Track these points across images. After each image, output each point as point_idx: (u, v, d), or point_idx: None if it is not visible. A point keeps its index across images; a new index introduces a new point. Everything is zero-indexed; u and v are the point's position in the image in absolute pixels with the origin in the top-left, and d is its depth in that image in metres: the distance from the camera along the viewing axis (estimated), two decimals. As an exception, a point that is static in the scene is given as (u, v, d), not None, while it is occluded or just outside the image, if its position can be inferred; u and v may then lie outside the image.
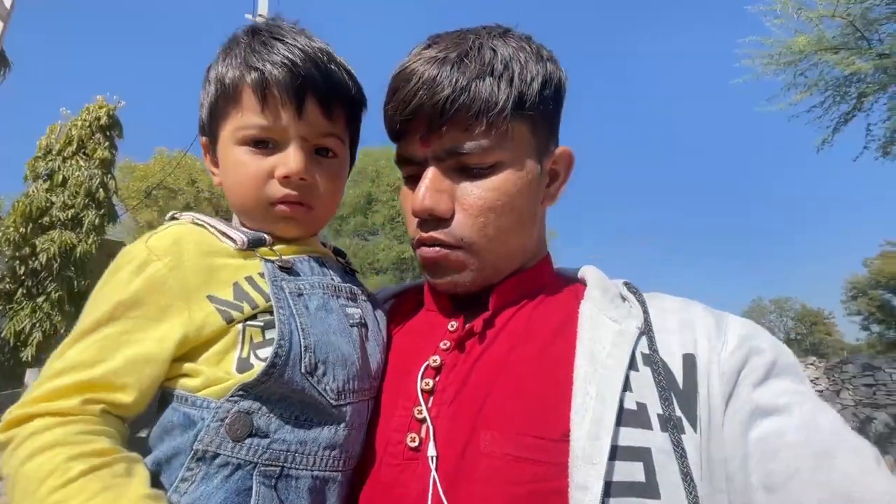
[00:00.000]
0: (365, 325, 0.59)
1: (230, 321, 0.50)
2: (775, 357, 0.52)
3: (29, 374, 4.69)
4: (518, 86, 0.55)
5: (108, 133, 7.91)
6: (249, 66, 0.54)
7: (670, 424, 0.48)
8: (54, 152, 7.50)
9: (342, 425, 0.52)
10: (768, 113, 7.88)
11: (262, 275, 0.53)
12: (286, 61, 0.54)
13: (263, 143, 0.56)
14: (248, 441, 0.46)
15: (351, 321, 0.57)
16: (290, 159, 0.55)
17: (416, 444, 0.51)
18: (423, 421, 0.52)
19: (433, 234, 0.58)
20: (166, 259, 0.50)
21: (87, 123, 7.71)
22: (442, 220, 0.57)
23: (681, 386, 0.51)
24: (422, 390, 0.54)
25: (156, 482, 0.46)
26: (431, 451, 0.49)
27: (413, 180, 0.60)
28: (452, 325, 0.60)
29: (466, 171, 0.57)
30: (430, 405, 0.53)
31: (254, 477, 0.46)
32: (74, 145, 7.54)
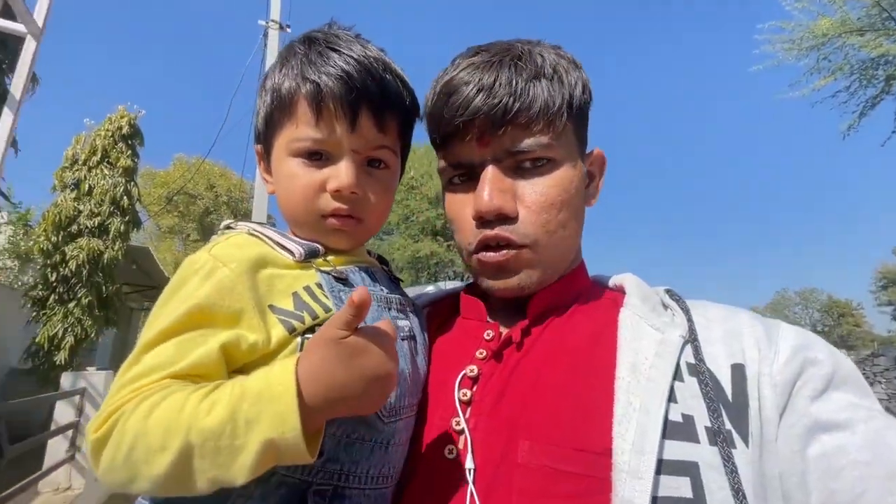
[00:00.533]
0: (414, 339, 0.59)
1: (292, 331, 0.49)
2: (834, 368, 0.49)
3: (65, 377, 4.84)
4: (568, 88, 0.57)
5: (129, 142, 8.10)
6: (305, 78, 0.54)
7: (719, 438, 0.46)
8: (80, 162, 7.72)
9: (392, 442, 0.51)
10: (790, 100, 7.66)
11: (318, 285, 0.53)
12: (342, 73, 0.53)
13: (317, 156, 0.56)
14: None
15: (402, 334, 0.56)
16: (342, 173, 0.55)
17: (454, 455, 0.51)
18: (461, 432, 0.52)
19: (500, 233, 0.57)
20: (232, 265, 0.49)
21: (110, 133, 7.91)
22: (508, 219, 0.56)
23: (730, 398, 0.49)
24: (459, 401, 0.54)
25: (213, 499, 0.45)
26: (469, 463, 0.49)
27: (462, 185, 0.61)
28: (488, 333, 0.59)
29: (523, 170, 0.57)
30: (467, 416, 0.53)
31: (308, 496, 0.46)
32: (99, 155, 7.74)
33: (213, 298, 0.47)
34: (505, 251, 0.57)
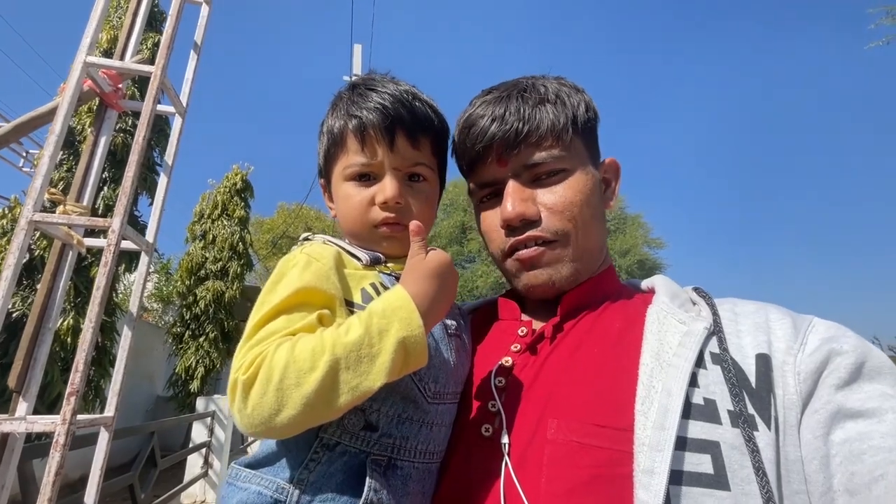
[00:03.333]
0: (459, 337, 0.66)
1: None
2: (861, 359, 0.49)
3: (199, 401, 5.56)
4: (571, 109, 0.65)
5: (242, 195, 9.30)
6: (350, 115, 0.65)
7: (741, 420, 0.47)
8: (205, 216, 9.03)
9: (435, 423, 0.58)
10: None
11: (382, 284, 0.62)
12: (378, 106, 0.64)
13: (365, 177, 0.65)
14: (361, 434, 0.54)
15: (449, 331, 0.64)
16: (387, 187, 0.64)
17: (490, 433, 0.57)
18: (497, 413, 0.57)
19: (529, 233, 0.64)
20: (324, 260, 0.59)
21: (228, 189, 9.18)
22: (532, 223, 0.64)
23: (753, 385, 0.50)
24: (495, 387, 0.59)
25: (288, 460, 0.54)
26: (504, 438, 0.54)
27: (490, 202, 0.69)
28: (522, 330, 0.66)
29: (540, 180, 0.65)
30: (502, 400, 0.58)
31: (367, 464, 0.52)
32: (219, 209, 9.01)
33: (313, 283, 0.55)
34: (535, 247, 0.64)
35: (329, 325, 0.53)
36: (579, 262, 0.65)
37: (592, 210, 0.65)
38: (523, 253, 0.65)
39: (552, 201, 0.64)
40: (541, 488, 0.49)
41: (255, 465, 0.57)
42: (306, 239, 0.68)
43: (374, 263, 0.64)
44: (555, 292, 0.66)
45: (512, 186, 0.65)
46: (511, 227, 0.65)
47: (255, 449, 0.60)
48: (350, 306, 0.58)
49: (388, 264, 0.66)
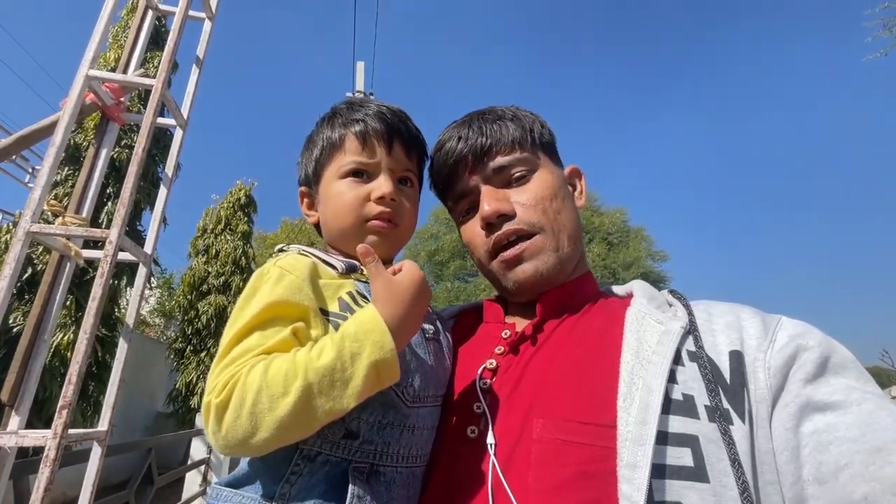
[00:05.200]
0: (437, 340, 0.67)
1: (338, 328, 0.56)
2: (826, 353, 0.51)
3: (199, 417, 5.50)
4: (527, 124, 0.74)
5: (246, 210, 9.38)
6: (353, 120, 0.70)
7: (717, 415, 0.49)
8: (209, 231, 9.08)
9: (417, 426, 0.58)
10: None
11: (358, 293, 0.62)
12: (379, 114, 0.70)
13: (361, 174, 0.69)
14: (342, 442, 0.53)
15: (427, 336, 0.65)
16: (384, 184, 0.68)
17: (475, 434, 0.57)
18: (482, 415, 0.58)
19: (507, 227, 0.68)
20: (297, 272, 0.58)
21: (231, 204, 9.25)
22: (509, 218, 0.68)
23: (728, 381, 0.52)
24: (480, 389, 0.61)
25: (268, 475, 0.53)
26: (490, 439, 0.55)
27: (469, 215, 0.74)
28: (506, 332, 0.68)
29: (510, 183, 0.71)
30: (487, 401, 0.59)
31: (349, 472, 0.52)
32: (223, 224, 9.07)
33: (285, 296, 0.55)
34: (519, 244, 0.68)
35: (304, 338, 0.54)
36: (560, 251, 0.68)
37: (562, 202, 0.70)
38: (507, 252, 0.68)
39: (524, 198, 0.69)
40: (528, 486, 0.50)
41: (235, 483, 0.56)
42: (281, 250, 0.69)
43: (349, 272, 0.65)
44: (544, 286, 0.68)
45: (486, 189, 0.70)
46: (490, 226, 0.69)
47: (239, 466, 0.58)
48: (326, 315, 0.58)
49: (364, 272, 0.66)
